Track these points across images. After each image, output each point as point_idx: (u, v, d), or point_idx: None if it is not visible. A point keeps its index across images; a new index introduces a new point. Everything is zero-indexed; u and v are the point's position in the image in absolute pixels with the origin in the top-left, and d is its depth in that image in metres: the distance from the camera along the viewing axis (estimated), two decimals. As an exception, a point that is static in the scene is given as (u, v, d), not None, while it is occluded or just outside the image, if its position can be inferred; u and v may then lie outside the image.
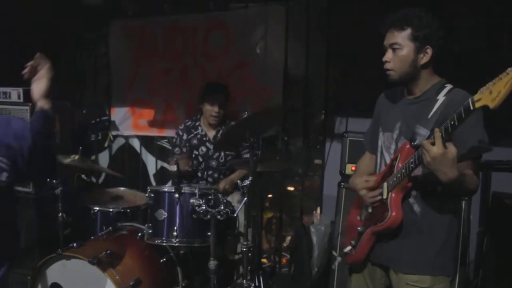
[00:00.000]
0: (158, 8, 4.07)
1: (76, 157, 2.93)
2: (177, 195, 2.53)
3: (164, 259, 2.73)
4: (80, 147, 3.01)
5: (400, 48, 1.78)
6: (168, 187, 2.67)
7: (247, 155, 3.31)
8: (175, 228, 2.53)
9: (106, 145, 4.40)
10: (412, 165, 1.67)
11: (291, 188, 3.93)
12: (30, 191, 3.61)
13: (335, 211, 2.99)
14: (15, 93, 3.67)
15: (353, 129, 3.18)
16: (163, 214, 2.56)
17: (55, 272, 2.54)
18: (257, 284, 2.91)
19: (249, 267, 2.60)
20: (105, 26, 4.30)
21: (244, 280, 2.60)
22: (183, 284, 2.79)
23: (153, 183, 4.27)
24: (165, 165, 4.23)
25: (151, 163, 4.29)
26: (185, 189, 2.57)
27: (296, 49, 3.69)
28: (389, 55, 1.82)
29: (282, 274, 3.78)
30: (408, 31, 1.76)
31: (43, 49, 4.10)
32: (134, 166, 4.29)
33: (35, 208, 3.59)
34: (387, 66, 1.83)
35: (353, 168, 2.80)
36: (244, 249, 2.56)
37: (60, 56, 4.32)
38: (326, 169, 3.64)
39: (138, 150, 4.33)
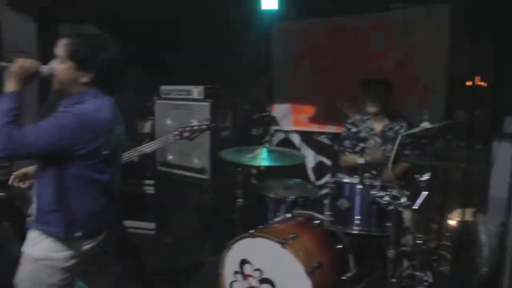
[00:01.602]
0: (320, 10, 4.29)
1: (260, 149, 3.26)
2: (360, 186, 2.71)
3: (339, 246, 2.93)
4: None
5: None
6: (350, 178, 2.85)
7: (408, 152, 3.40)
8: (357, 217, 2.72)
9: (267, 139, 4.75)
10: None
11: (455, 186, 3.89)
12: (208, 178, 4.07)
13: (507, 212, 2.94)
14: (196, 91, 4.15)
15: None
16: (345, 203, 2.76)
17: (245, 249, 2.83)
18: (427, 277, 2.98)
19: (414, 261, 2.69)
20: (268, 28, 4.64)
21: (417, 272, 2.71)
22: (354, 271, 2.96)
23: (311, 176, 4.51)
24: (323, 159, 4.44)
25: (310, 158, 4.54)
26: (367, 181, 2.74)
27: (461, 47, 3.64)
28: None
29: (442, 272, 3.77)
30: None
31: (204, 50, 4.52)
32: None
33: (212, 192, 4.05)
34: None
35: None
36: (419, 242, 2.66)
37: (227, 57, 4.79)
38: (494, 169, 3.55)
39: (298, 144, 4.61)
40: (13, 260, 3.21)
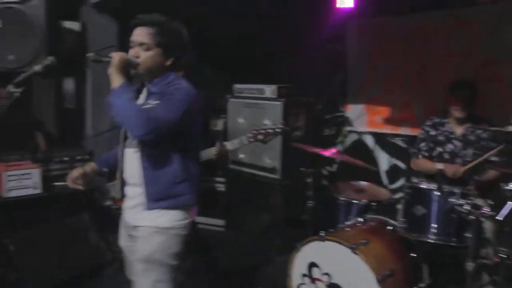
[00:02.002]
0: (398, 8, 4.12)
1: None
2: (437, 193, 2.56)
3: (413, 254, 2.80)
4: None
5: None
6: (427, 184, 2.71)
7: (494, 158, 3.17)
8: (433, 225, 2.57)
9: (339, 140, 4.65)
10: None
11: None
12: (278, 178, 4.06)
13: None
14: (269, 90, 4.15)
15: None
16: (421, 210, 2.63)
17: (314, 252, 2.79)
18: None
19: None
20: (342, 26, 4.53)
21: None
22: (428, 282, 2.82)
23: (384, 180, 4.35)
24: (398, 162, 4.28)
25: (383, 160, 4.39)
26: (446, 187, 2.59)
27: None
28: None
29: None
30: None
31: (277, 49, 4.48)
32: (366, 162, 4.42)
33: (282, 193, 4.04)
34: None
35: None
36: (503, 256, 2.47)
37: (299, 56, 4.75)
38: None
39: (371, 146, 4.47)
40: (92, 248, 3.43)
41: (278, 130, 2.94)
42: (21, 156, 3.76)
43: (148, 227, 2.10)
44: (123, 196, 2.23)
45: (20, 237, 3.12)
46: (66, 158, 4.02)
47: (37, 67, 2.34)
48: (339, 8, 4.00)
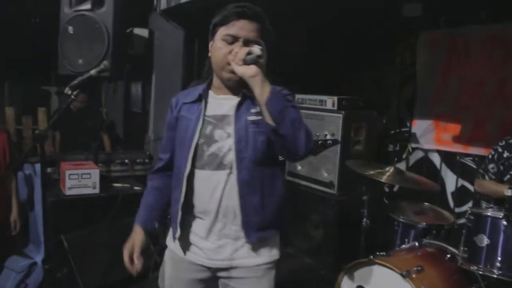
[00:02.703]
0: (473, 17, 3.82)
1: (392, 169, 3.01)
2: (505, 222, 2.30)
3: (474, 288, 2.54)
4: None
5: None
6: (493, 212, 2.44)
7: None
8: (498, 258, 2.31)
9: (404, 156, 4.39)
10: None
11: None
12: (335, 193, 3.91)
13: None
14: (330, 101, 4.01)
15: None
16: (484, 240, 2.37)
17: (362, 275, 2.63)
18: None
19: None
20: (413, 37, 4.29)
21: None
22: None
23: (451, 202, 4.03)
24: (466, 183, 3.96)
25: (451, 181, 4.06)
26: (514, 216, 2.32)
27: None
28: None
29: None
30: None
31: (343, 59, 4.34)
32: (431, 182, 4.15)
33: (336, 209, 3.87)
34: None
35: None
36: None
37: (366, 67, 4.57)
38: None
39: (438, 165, 4.17)
40: (143, 251, 3.48)
41: (329, 142, 2.81)
42: (85, 156, 3.93)
43: (257, 266, 1.79)
44: (181, 231, 1.81)
45: (75, 235, 3.23)
46: (126, 161, 4.15)
47: (92, 71, 2.43)
48: (408, 16, 3.79)
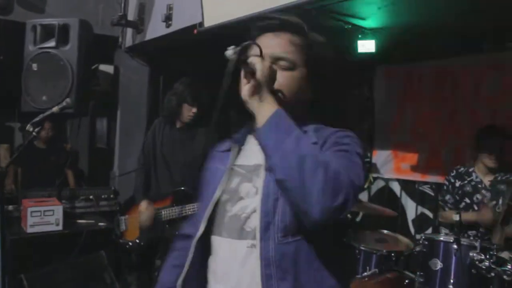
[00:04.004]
0: (425, 53, 4.04)
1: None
2: (455, 246, 2.41)
3: (431, 311, 2.62)
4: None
5: None
6: (445, 237, 2.56)
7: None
8: (451, 281, 2.41)
9: (366, 186, 4.52)
10: None
11: None
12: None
13: None
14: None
15: None
16: (438, 264, 2.47)
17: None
18: None
19: None
20: (370, 71, 4.49)
21: None
22: None
23: (411, 229, 4.16)
24: (425, 210, 4.09)
25: (411, 208, 4.20)
26: (464, 240, 2.43)
27: None
28: None
29: None
30: None
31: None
32: (392, 210, 4.27)
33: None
34: None
35: None
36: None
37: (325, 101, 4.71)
38: None
39: (398, 193, 4.31)
40: (107, 287, 3.41)
41: None
42: (48, 193, 3.88)
43: None
44: None
45: (36, 274, 3.16)
46: (91, 197, 4.12)
47: (55, 109, 2.45)
48: (364, 53, 3.97)
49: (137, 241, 3.13)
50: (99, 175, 5.07)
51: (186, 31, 3.45)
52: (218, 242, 1.28)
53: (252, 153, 1.31)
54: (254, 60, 1.19)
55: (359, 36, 3.46)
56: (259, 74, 1.18)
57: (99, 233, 3.75)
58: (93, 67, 4.52)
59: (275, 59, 1.28)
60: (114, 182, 4.60)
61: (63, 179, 4.50)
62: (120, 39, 4.37)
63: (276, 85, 1.26)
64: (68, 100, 2.46)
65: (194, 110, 3.09)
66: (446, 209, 3.24)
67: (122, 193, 4.35)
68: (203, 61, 3.78)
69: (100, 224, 3.76)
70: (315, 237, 1.18)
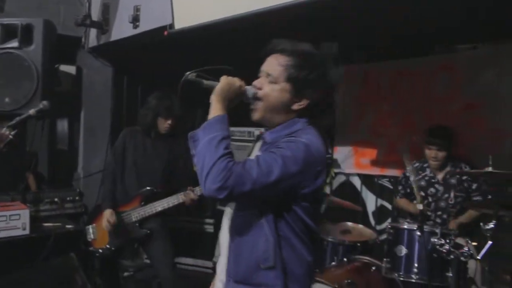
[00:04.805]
0: (382, 54, 4.28)
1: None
2: (418, 233, 2.62)
3: (397, 295, 2.81)
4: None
5: None
6: (409, 225, 2.76)
7: (478, 198, 3.25)
8: (415, 265, 2.61)
9: (328, 181, 4.71)
10: None
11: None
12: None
13: None
14: (257, 132, 4.25)
15: None
16: (403, 250, 2.67)
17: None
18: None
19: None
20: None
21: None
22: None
23: (372, 220, 4.39)
24: (385, 203, 4.33)
25: (371, 201, 4.43)
26: (426, 227, 2.64)
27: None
28: None
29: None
30: None
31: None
32: (354, 203, 4.48)
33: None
34: None
35: None
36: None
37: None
38: None
39: (359, 187, 4.53)
40: (77, 290, 3.40)
41: None
42: (11, 197, 3.79)
43: None
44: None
45: (4, 280, 3.11)
46: (56, 199, 4.06)
47: (31, 111, 2.46)
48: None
49: (108, 246, 3.17)
50: (60, 177, 4.98)
51: (155, 33, 3.49)
52: (227, 210, 1.72)
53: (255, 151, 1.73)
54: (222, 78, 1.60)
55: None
56: (208, 83, 1.61)
57: (67, 235, 3.72)
58: (54, 67, 4.45)
59: (267, 74, 1.63)
60: (79, 183, 4.55)
61: (24, 183, 4.40)
62: (83, 39, 4.33)
63: (260, 94, 1.62)
64: (45, 102, 2.48)
65: (169, 122, 3.23)
66: (398, 197, 3.50)
67: (87, 194, 4.31)
68: (169, 62, 3.83)
69: (68, 226, 3.72)
70: (257, 211, 1.56)
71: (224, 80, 1.60)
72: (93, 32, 4.22)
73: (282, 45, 1.64)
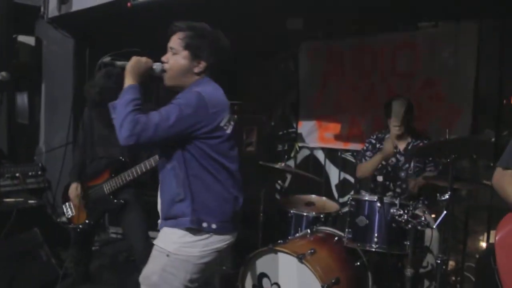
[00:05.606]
0: (345, 30, 4.33)
1: (283, 164, 3.32)
2: (379, 204, 2.72)
3: (358, 263, 2.93)
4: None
5: None
6: (369, 196, 2.87)
7: (431, 168, 3.38)
8: (375, 234, 2.73)
9: (292, 155, 4.80)
10: None
11: (482, 206, 3.83)
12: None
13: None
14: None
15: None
16: (364, 220, 2.78)
17: (263, 263, 2.87)
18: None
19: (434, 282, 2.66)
20: (295, 47, 4.72)
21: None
22: (373, 289, 2.95)
23: (335, 193, 4.52)
24: (347, 176, 4.46)
25: (334, 175, 4.56)
26: (386, 199, 2.75)
27: (489, 67, 3.63)
28: None
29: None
30: None
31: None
32: (317, 176, 4.58)
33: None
34: None
35: None
36: (438, 262, 2.64)
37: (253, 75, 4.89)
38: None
39: (322, 161, 4.63)
40: (43, 264, 3.37)
41: None
42: (-29, 172, 3.71)
43: (155, 246, 1.98)
44: None
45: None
46: (17, 174, 3.98)
47: (-11, 82, 2.38)
48: (290, 29, 4.17)
49: (87, 221, 3.15)
50: (21, 152, 4.85)
51: (118, 3, 3.41)
52: None
53: None
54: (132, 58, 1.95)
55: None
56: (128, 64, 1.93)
57: (29, 210, 3.67)
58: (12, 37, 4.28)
59: (170, 49, 2.00)
60: (41, 158, 4.45)
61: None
62: (42, 9, 4.17)
63: (166, 66, 1.98)
64: (3, 73, 2.39)
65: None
66: (363, 160, 3.54)
67: (50, 169, 4.24)
68: (133, 33, 3.76)
69: (30, 201, 3.67)
70: (169, 155, 1.92)
71: (133, 59, 1.94)
72: (52, 1, 4.06)
73: (180, 25, 2.00)
